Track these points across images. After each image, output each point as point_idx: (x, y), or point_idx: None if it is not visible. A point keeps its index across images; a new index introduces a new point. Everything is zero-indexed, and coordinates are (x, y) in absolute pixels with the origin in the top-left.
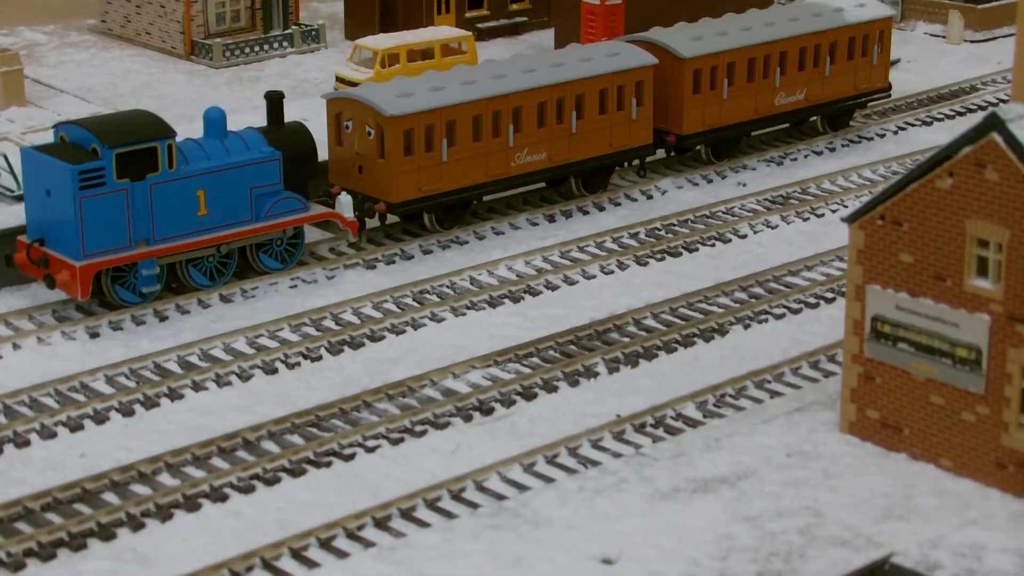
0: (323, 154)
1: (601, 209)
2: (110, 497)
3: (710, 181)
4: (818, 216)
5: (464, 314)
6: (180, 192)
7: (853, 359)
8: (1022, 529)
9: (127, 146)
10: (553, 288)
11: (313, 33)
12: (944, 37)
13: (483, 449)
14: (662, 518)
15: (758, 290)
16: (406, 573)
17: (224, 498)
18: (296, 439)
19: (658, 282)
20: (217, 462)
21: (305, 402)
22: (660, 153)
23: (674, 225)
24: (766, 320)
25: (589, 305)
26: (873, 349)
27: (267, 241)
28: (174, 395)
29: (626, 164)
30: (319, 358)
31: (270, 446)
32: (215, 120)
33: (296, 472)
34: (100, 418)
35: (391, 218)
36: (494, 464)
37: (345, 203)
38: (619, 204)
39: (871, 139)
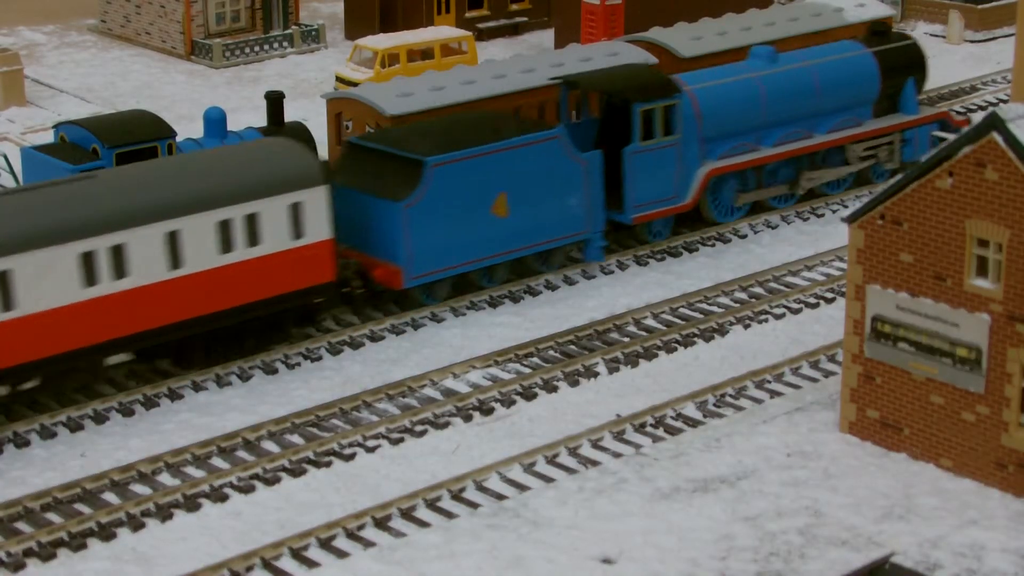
0: (323, 154)
1: None
2: (110, 497)
3: None
4: (818, 216)
5: (464, 314)
6: None
7: (853, 359)
8: (1022, 529)
9: (127, 146)
10: (553, 288)
11: (313, 33)
12: (944, 37)
13: (483, 449)
14: (662, 518)
15: (758, 290)
16: (406, 573)
17: (224, 498)
18: (296, 439)
19: (658, 282)
20: (217, 462)
21: (305, 402)
22: None
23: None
24: (766, 320)
25: (589, 305)
26: (873, 349)
27: None
28: (174, 395)
29: None
30: (319, 358)
31: (270, 446)
32: (215, 120)
33: (296, 472)
34: (100, 418)
35: None
36: (494, 464)
37: None
38: None
39: None
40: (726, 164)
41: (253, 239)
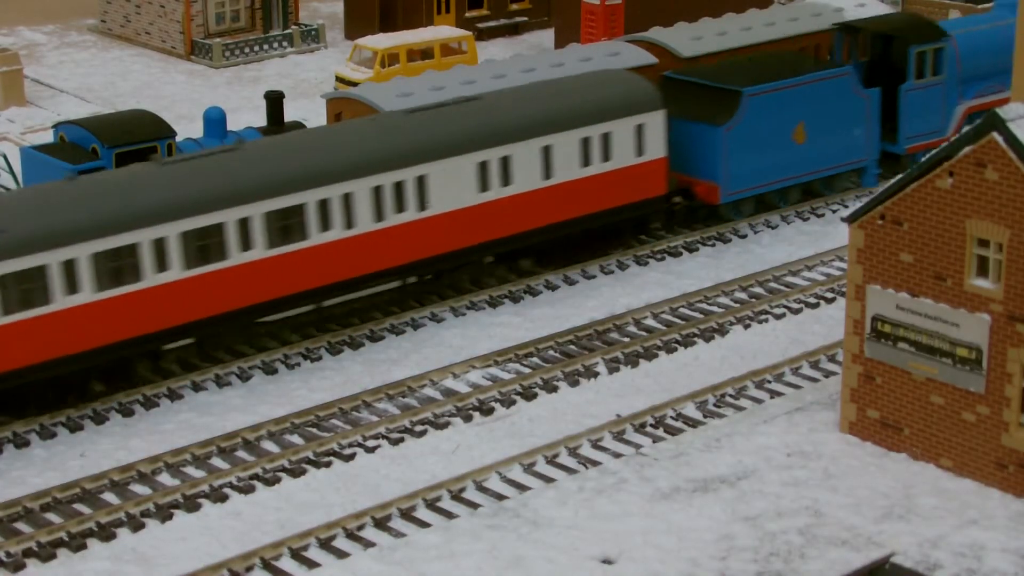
0: None
1: None
2: (110, 497)
3: None
4: (818, 216)
5: (464, 314)
6: None
7: (853, 359)
8: (1022, 529)
9: (127, 146)
10: (553, 288)
11: (313, 33)
12: None
13: (483, 449)
14: (662, 518)
15: (758, 290)
16: (406, 573)
17: (224, 498)
18: (296, 439)
19: (658, 282)
20: (217, 462)
21: (305, 402)
22: None
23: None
24: (766, 320)
25: (589, 305)
26: (873, 349)
27: None
28: (174, 395)
29: None
30: (319, 358)
31: (270, 446)
32: (215, 120)
33: (296, 472)
34: (100, 418)
35: None
36: (494, 464)
37: None
38: None
39: None
40: (981, 102)
41: (606, 155)
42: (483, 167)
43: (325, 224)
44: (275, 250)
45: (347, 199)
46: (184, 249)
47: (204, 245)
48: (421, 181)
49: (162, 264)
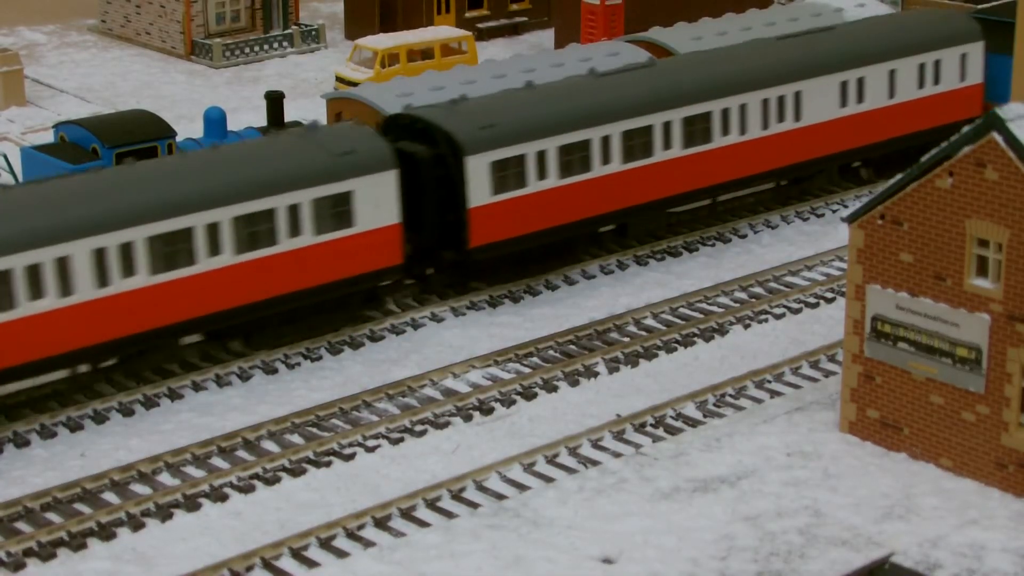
0: None
1: None
2: (110, 497)
3: None
4: (818, 216)
5: (464, 314)
6: None
7: (853, 359)
8: (1022, 529)
9: (127, 146)
10: (553, 288)
11: (313, 33)
12: None
13: (483, 449)
14: (662, 518)
15: (758, 290)
16: (406, 573)
17: (224, 498)
18: (296, 439)
19: (658, 282)
20: (217, 462)
21: (305, 402)
22: None
23: (674, 225)
24: (766, 320)
25: (589, 305)
26: (873, 349)
27: None
28: (174, 395)
29: None
30: (319, 358)
31: (270, 446)
32: (215, 120)
33: (296, 472)
34: (100, 418)
35: None
36: (494, 464)
37: None
38: None
39: None
40: None
41: (937, 79)
42: (843, 86)
43: (725, 129)
44: (687, 150)
45: (743, 109)
46: (622, 146)
47: (635, 144)
48: (797, 96)
49: (606, 158)
